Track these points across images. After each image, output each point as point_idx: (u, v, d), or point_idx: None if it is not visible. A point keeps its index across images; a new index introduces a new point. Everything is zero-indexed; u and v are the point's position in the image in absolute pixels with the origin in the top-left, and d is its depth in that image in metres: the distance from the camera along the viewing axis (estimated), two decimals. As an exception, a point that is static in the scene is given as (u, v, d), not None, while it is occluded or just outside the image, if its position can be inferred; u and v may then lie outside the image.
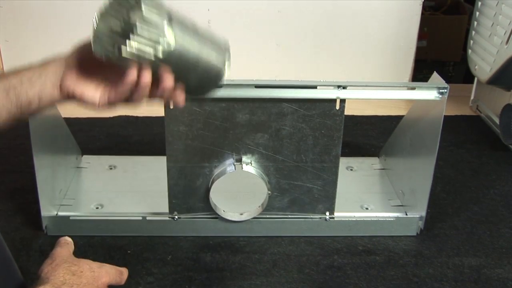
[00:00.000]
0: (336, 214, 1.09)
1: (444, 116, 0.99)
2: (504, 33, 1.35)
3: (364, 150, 1.43)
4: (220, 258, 1.03)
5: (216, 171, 1.03)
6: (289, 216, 1.09)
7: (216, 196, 1.04)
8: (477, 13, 1.53)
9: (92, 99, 0.68)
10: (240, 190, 1.05)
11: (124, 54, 0.60)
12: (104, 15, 0.61)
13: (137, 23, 0.59)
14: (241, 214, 1.07)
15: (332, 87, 0.98)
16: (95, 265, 0.73)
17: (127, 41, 0.59)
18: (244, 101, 0.98)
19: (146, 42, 0.60)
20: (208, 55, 0.66)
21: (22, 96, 0.70)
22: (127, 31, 0.59)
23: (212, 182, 1.02)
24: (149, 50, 0.60)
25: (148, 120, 1.53)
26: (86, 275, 0.71)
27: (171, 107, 0.97)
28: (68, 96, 0.69)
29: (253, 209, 1.07)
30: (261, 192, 1.04)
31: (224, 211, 1.06)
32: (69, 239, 0.75)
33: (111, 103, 0.69)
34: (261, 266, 1.01)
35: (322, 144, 1.02)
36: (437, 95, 1.00)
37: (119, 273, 0.75)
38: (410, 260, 1.04)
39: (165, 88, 0.65)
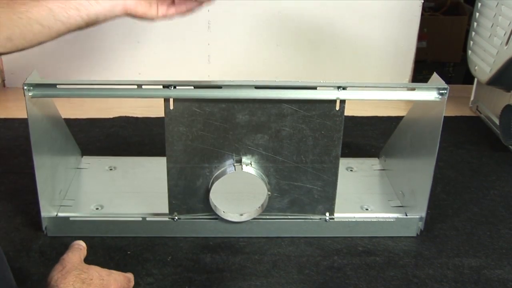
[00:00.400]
0: (336, 214, 1.09)
1: (444, 116, 0.99)
2: (504, 34, 1.36)
3: (364, 150, 1.43)
4: (220, 259, 1.03)
5: (216, 172, 1.03)
6: (289, 217, 1.09)
7: (216, 197, 1.04)
8: (477, 14, 1.53)
9: (151, 16, 0.93)
10: (240, 191, 1.05)
11: None
12: None
13: None
14: (241, 215, 1.07)
15: (332, 88, 0.98)
16: (104, 272, 0.75)
17: None
18: (244, 102, 0.98)
19: None
20: None
21: (91, 13, 0.86)
22: None
23: (212, 183, 1.02)
24: None
25: (148, 121, 1.54)
26: (95, 283, 0.72)
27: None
28: (130, 15, 0.90)
29: (253, 210, 1.07)
30: (261, 193, 1.05)
31: (224, 212, 1.06)
32: (82, 244, 0.76)
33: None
34: (261, 266, 1.01)
35: (322, 145, 1.02)
36: (437, 95, 1.00)
37: (127, 280, 0.76)
38: (410, 261, 1.04)
39: None
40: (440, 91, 1.00)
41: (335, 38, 1.72)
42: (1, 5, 0.80)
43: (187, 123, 0.99)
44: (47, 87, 0.96)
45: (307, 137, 1.02)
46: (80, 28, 0.88)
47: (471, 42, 1.56)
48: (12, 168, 1.28)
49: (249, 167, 1.02)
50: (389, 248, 1.07)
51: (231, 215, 1.06)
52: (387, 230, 1.10)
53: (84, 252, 0.76)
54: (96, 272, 0.74)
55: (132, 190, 1.16)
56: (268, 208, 1.06)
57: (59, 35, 0.86)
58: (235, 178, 1.01)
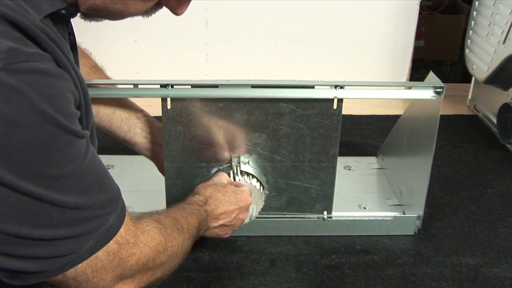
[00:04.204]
0: (333, 213, 1.09)
1: (442, 115, 0.99)
2: (501, 33, 1.36)
3: (361, 149, 1.44)
4: (218, 257, 1.03)
5: (214, 171, 1.03)
6: (287, 215, 1.09)
7: None
8: (475, 12, 1.54)
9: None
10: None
11: None
12: None
13: None
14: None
15: (329, 87, 0.98)
16: (238, 189, 0.95)
17: None
18: (241, 101, 0.98)
19: None
20: None
21: (133, 140, 1.04)
22: None
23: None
24: None
25: (146, 120, 1.54)
26: (230, 194, 0.93)
27: None
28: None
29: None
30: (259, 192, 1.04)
31: None
32: (224, 175, 0.99)
33: None
34: (259, 265, 1.02)
35: (319, 143, 1.03)
36: (434, 94, 1.01)
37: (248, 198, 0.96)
38: (408, 260, 1.05)
39: None
40: (437, 90, 1.00)
41: (333, 37, 1.73)
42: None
43: (185, 122, 0.99)
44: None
45: (304, 136, 1.02)
46: (114, 136, 1.04)
47: (469, 41, 1.57)
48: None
49: (247, 166, 1.02)
50: (387, 247, 1.08)
51: None
52: (385, 228, 1.11)
53: (227, 177, 0.99)
54: (232, 188, 0.95)
55: (130, 189, 1.16)
56: (266, 207, 1.07)
57: (102, 127, 1.02)
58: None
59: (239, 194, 0.95)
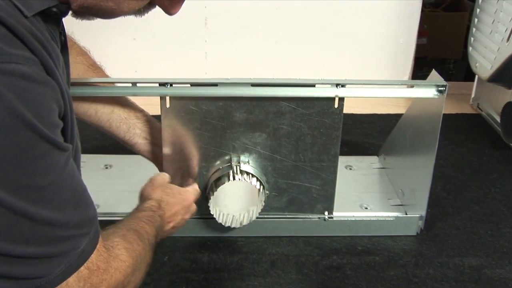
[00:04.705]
0: (335, 213, 1.09)
1: (445, 114, 0.99)
2: (505, 30, 1.36)
3: (363, 149, 1.43)
4: (218, 258, 1.03)
5: (213, 171, 1.03)
6: (288, 216, 1.09)
7: (216, 210, 1.02)
8: (478, 10, 1.53)
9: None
10: (238, 199, 1.03)
11: None
12: None
13: None
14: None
15: (330, 85, 0.98)
16: (182, 189, 0.96)
17: None
18: (241, 100, 0.98)
19: None
20: None
21: (132, 141, 1.03)
22: None
23: (209, 183, 1.02)
24: None
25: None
26: (176, 196, 0.94)
27: None
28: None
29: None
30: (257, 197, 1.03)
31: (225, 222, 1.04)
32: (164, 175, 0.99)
33: None
34: (259, 266, 1.01)
35: (320, 143, 1.02)
36: (436, 93, 1.00)
37: (199, 193, 0.99)
38: (410, 260, 1.04)
39: None
40: (439, 88, 1.00)
41: (334, 35, 1.73)
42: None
43: (184, 121, 0.99)
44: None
45: (305, 135, 1.02)
46: (113, 136, 1.04)
47: (472, 39, 1.56)
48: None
49: (247, 165, 1.02)
50: (389, 248, 1.08)
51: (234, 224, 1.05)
52: (386, 229, 1.10)
53: (168, 177, 0.99)
54: (177, 188, 0.96)
55: (129, 189, 1.16)
56: (266, 207, 1.06)
57: (101, 127, 1.03)
58: (232, 187, 1.00)
59: (183, 193, 0.96)
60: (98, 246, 0.67)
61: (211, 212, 1.01)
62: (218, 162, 1.03)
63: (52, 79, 0.59)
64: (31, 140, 0.56)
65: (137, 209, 0.89)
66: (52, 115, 0.59)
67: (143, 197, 0.94)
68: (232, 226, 1.03)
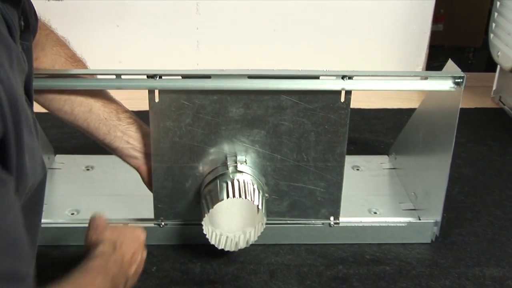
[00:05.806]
0: (341, 219, 1.10)
1: (463, 108, 1.00)
2: (529, 16, 1.37)
3: (372, 147, 1.44)
4: (211, 269, 1.04)
5: (207, 172, 1.04)
6: (289, 221, 1.10)
7: (209, 229, 1.02)
8: (500, -8, 1.54)
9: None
10: (234, 217, 1.04)
11: None
12: None
13: None
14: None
15: (336, 77, 0.99)
16: (129, 227, 0.93)
17: None
18: (237, 93, 0.99)
19: None
20: None
21: (113, 145, 1.02)
22: None
23: (203, 185, 1.03)
24: None
25: (129, 115, 1.54)
26: (128, 234, 0.89)
27: None
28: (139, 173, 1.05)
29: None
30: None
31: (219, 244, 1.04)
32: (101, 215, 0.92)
33: None
34: (257, 277, 1.02)
35: (325, 141, 1.03)
36: (452, 85, 1.01)
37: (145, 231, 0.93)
38: (424, 271, 1.05)
39: None
40: (456, 80, 1.01)
41: (339, 21, 1.73)
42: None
43: (175, 117, 1.00)
44: (16, 78, 0.97)
45: (308, 133, 1.03)
46: (93, 138, 1.03)
47: (494, 24, 1.57)
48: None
49: (244, 165, 1.03)
50: (400, 257, 1.09)
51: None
52: (398, 236, 1.12)
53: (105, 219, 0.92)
54: (123, 225, 0.93)
55: (112, 193, 1.17)
56: (265, 212, 1.07)
57: (78, 126, 1.01)
58: (229, 203, 1.00)
59: (134, 230, 0.91)
60: None
61: (204, 232, 1.00)
62: (212, 162, 1.04)
63: None
64: None
65: (85, 258, 0.79)
66: None
67: (90, 245, 0.85)
68: (226, 249, 1.03)
